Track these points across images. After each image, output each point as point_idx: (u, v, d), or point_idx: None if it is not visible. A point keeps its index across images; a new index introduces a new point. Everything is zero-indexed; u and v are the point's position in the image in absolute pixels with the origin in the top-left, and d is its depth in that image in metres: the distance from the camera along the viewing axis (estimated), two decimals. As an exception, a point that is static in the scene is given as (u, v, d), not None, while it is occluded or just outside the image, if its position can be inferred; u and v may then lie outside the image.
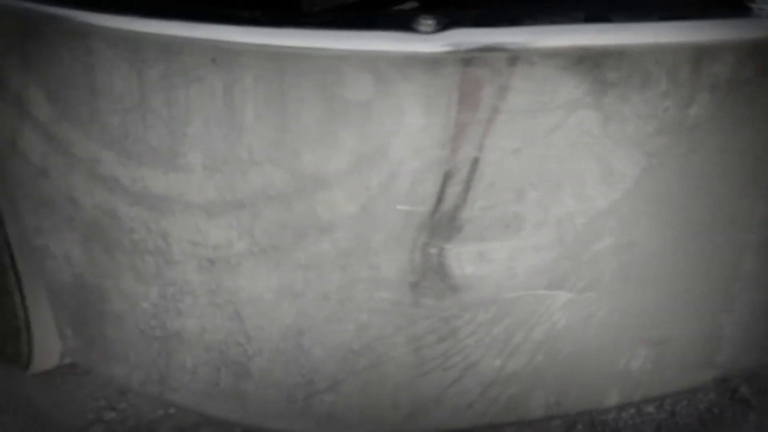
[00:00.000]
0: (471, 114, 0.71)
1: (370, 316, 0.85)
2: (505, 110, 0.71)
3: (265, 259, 0.86)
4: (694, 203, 0.81)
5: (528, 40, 0.66)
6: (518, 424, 0.88)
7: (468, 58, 0.68)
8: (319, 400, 0.94)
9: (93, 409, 1.27)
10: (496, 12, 0.68)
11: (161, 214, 0.87)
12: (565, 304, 0.82)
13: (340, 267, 0.84)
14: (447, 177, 0.75)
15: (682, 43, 0.71)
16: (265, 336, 0.91)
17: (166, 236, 0.88)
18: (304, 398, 0.94)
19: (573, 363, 0.87)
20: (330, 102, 0.73)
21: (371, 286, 0.84)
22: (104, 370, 0.99)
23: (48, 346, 1.12)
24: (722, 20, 0.70)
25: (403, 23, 0.68)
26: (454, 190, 0.76)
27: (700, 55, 0.72)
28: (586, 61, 0.68)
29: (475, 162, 0.74)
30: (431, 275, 0.81)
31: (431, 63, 0.69)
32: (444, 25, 0.67)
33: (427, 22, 0.67)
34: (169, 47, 0.73)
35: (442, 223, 0.78)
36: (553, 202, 0.76)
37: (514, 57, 0.67)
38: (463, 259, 0.79)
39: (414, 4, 1.38)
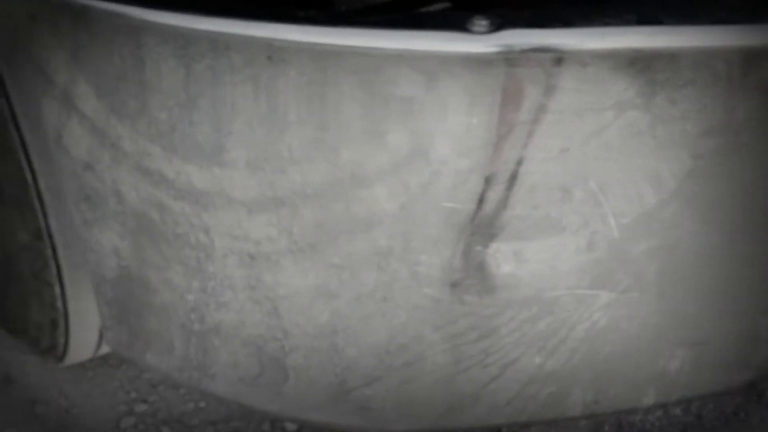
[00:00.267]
0: (520, 114, 0.71)
1: (408, 315, 0.86)
2: (554, 110, 0.71)
3: (302, 258, 0.87)
4: (736, 205, 0.82)
5: (582, 41, 0.67)
6: (555, 422, 0.89)
7: (520, 59, 0.69)
8: (355, 396, 0.95)
9: (124, 402, 1.29)
10: (549, 13, 0.69)
11: (204, 209, 0.88)
12: (606, 304, 0.83)
13: (377, 267, 0.85)
14: (491, 176, 0.76)
15: (732, 47, 0.71)
16: (301, 332, 0.92)
17: (208, 231, 0.89)
18: (340, 393, 0.95)
19: (612, 362, 0.88)
20: (376, 101, 0.74)
21: (410, 286, 0.84)
22: (146, 361, 1.00)
23: (84, 339, 1.13)
24: (772, 24, 0.71)
25: (457, 23, 0.69)
26: (498, 189, 0.77)
27: (748, 58, 0.73)
28: (638, 62, 0.69)
29: (522, 162, 0.75)
30: (473, 274, 0.81)
31: (482, 63, 0.70)
32: (497, 26, 0.68)
33: (480, 23, 0.68)
34: (219, 44, 0.74)
35: (485, 222, 0.79)
36: (598, 202, 0.77)
37: (567, 58, 0.68)
38: (506, 258, 0.80)
39: (445, 5, 1.39)
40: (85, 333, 1.14)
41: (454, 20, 0.69)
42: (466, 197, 0.78)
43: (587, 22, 0.68)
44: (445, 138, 0.75)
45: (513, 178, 0.76)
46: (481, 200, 0.78)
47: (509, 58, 0.69)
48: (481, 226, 0.79)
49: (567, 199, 0.77)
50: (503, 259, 0.81)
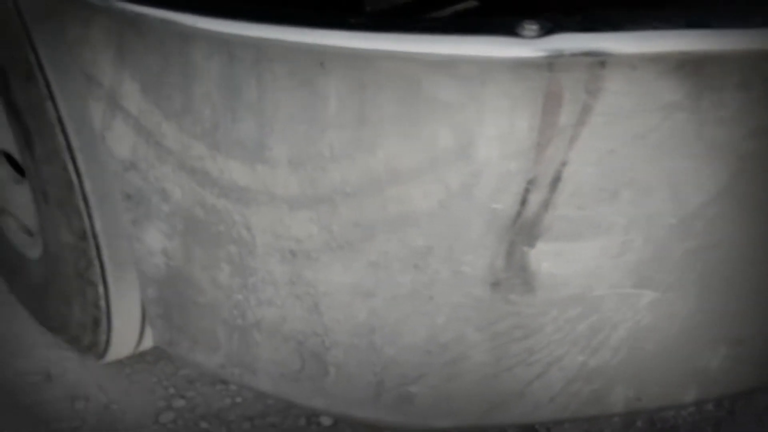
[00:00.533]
0: (567, 116, 0.72)
1: (449, 316, 0.87)
2: (602, 113, 0.72)
3: (341, 255, 0.88)
4: (779, 205, 0.83)
5: (631, 45, 0.67)
6: (597, 419, 0.90)
7: (569, 63, 0.70)
8: (396, 393, 0.96)
9: (163, 397, 1.31)
10: (598, 17, 0.69)
11: (246, 206, 0.89)
12: (649, 302, 0.84)
13: (413, 267, 0.86)
14: (536, 178, 0.77)
15: (780, 49, 0.72)
16: (340, 329, 0.94)
17: (250, 227, 0.91)
18: (380, 390, 0.96)
19: (654, 360, 0.88)
20: (422, 103, 0.75)
21: (451, 286, 0.85)
22: (192, 358, 1.02)
23: (125, 336, 1.16)
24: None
25: (507, 28, 0.70)
26: (544, 190, 0.78)
27: (795, 60, 0.73)
28: (686, 65, 0.70)
29: (567, 163, 0.75)
30: (517, 274, 0.82)
31: (531, 67, 0.71)
32: (547, 31, 0.69)
33: (531, 28, 0.69)
34: (270, 51, 0.75)
35: (529, 223, 0.79)
36: (644, 202, 0.78)
37: (616, 62, 0.69)
38: (551, 258, 0.81)
39: (474, 4, 1.39)
40: (127, 330, 1.16)
41: (504, 25, 0.70)
42: (510, 198, 0.79)
43: (636, 26, 0.69)
44: (491, 140, 0.76)
45: (558, 179, 0.77)
46: (525, 201, 0.79)
47: (558, 62, 0.70)
48: (525, 227, 0.80)
49: (613, 199, 0.78)
50: (548, 259, 0.82)
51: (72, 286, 1.11)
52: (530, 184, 0.78)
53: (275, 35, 0.69)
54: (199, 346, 1.02)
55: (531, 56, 0.69)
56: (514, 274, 0.83)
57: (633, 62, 0.69)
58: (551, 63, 0.70)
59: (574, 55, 0.69)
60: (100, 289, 1.07)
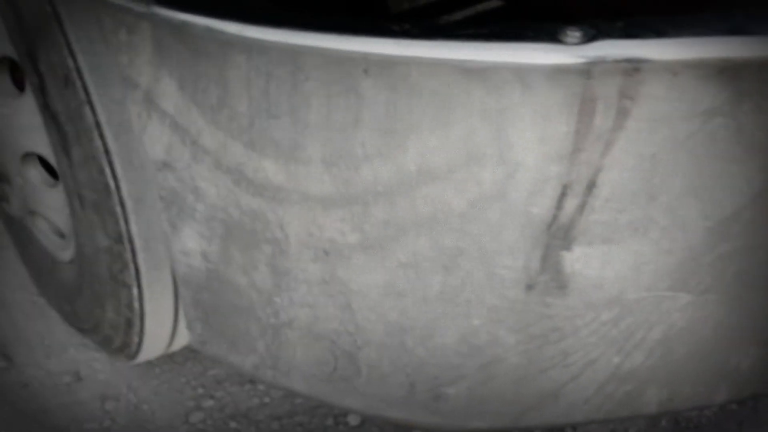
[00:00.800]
0: (609, 121, 0.73)
1: (482, 318, 0.88)
2: (642, 118, 0.73)
3: (373, 254, 0.89)
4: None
5: (674, 51, 0.68)
6: (631, 419, 0.91)
7: (611, 69, 0.70)
8: (428, 394, 0.97)
9: (192, 397, 1.32)
10: (641, 23, 0.70)
11: (280, 205, 0.90)
12: (684, 305, 0.85)
13: (443, 268, 0.87)
14: (575, 181, 0.78)
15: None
16: (373, 328, 0.95)
17: (283, 226, 0.92)
18: (412, 390, 0.98)
19: (687, 361, 0.89)
20: (461, 108, 0.76)
21: (484, 288, 0.86)
22: (228, 358, 1.03)
23: (158, 338, 1.17)
24: None
25: (550, 35, 0.70)
26: (582, 193, 0.78)
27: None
28: (727, 71, 0.71)
29: (606, 168, 0.76)
30: (553, 277, 0.83)
31: (573, 73, 0.71)
32: (590, 37, 0.70)
33: (574, 34, 0.70)
34: (304, 54, 0.76)
35: (566, 225, 0.80)
36: (682, 206, 0.78)
37: (659, 68, 0.69)
38: (589, 261, 0.82)
39: (498, 3, 1.40)
40: (159, 332, 1.17)
41: (547, 32, 0.71)
42: (547, 202, 0.80)
43: (678, 32, 0.70)
44: (528, 144, 0.76)
45: (595, 183, 0.78)
46: (561, 205, 0.80)
47: (599, 68, 0.71)
48: (561, 230, 0.81)
49: (650, 203, 0.78)
50: (584, 262, 0.83)
51: (106, 288, 1.12)
52: (567, 188, 0.79)
53: (321, 44, 0.70)
54: (235, 347, 1.03)
55: (574, 63, 0.70)
56: (549, 276, 0.84)
57: (675, 68, 0.70)
58: (593, 69, 0.71)
59: (616, 61, 0.70)
60: (135, 291, 1.08)
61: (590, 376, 0.88)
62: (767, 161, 0.77)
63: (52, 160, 1.13)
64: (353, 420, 1.29)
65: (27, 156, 1.18)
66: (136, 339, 1.17)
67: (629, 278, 0.83)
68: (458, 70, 0.73)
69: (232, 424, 1.27)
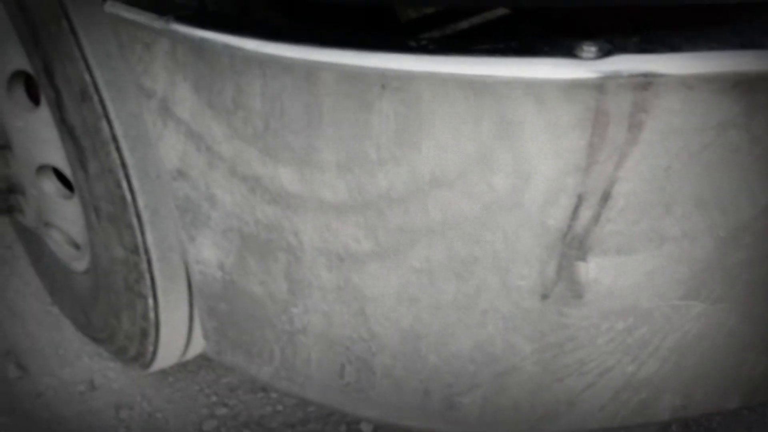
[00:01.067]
0: (626, 134, 0.74)
1: (497, 326, 0.89)
2: (658, 131, 0.74)
3: (387, 261, 0.90)
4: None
5: (689, 65, 0.69)
6: (644, 426, 0.93)
7: (626, 83, 0.71)
8: (442, 401, 0.98)
9: (205, 405, 1.33)
10: (656, 38, 0.71)
11: (294, 212, 0.91)
12: (698, 314, 0.86)
13: (455, 275, 0.88)
14: (591, 191, 0.78)
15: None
16: (387, 335, 0.95)
17: (298, 233, 0.92)
18: (426, 398, 0.98)
19: (701, 369, 0.90)
20: (475, 120, 0.76)
21: (498, 296, 0.87)
22: (244, 367, 1.04)
23: (172, 347, 1.18)
24: None
25: (566, 50, 0.71)
26: (597, 203, 0.79)
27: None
28: (741, 85, 0.71)
29: (622, 179, 0.77)
30: (569, 286, 0.84)
31: (589, 87, 0.72)
32: (606, 52, 0.71)
33: (589, 49, 0.71)
34: (322, 69, 0.77)
35: (581, 235, 0.81)
36: (695, 217, 0.79)
37: (674, 82, 0.70)
38: (603, 270, 0.83)
39: (504, 11, 1.41)
40: (174, 341, 1.18)
41: (562, 47, 0.72)
42: (561, 212, 0.81)
43: (693, 47, 0.71)
44: (543, 155, 0.77)
45: (611, 195, 0.79)
46: (576, 215, 0.81)
47: (615, 83, 0.72)
48: (576, 240, 0.82)
49: (666, 214, 0.79)
50: (599, 271, 0.83)
51: (121, 298, 1.13)
52: (582, 199, 0.80)
53: (339, 60, 0.71)
54: (250, 356, 1.04)
55: (589, 78, 0.71)
56: (565, 286, 0.85)
57: (689, 82, 0.71)
58: (608, 83, 0.72)
59: (632, 76, 0.70)
60: (150, 301, 1.09)
61: (605, 385, 0.89)
62: (780, 172, 0.79)
63: (67, 172, 1.14)
64: (366, 428, 1.29)
65: (42, 168, 1.19)
66: (150, 348, 1.18)
67: (644, 288, 0.84)
68: (475, 85, 0.74)
69: (246, 432, 1.29)
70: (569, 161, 0.78)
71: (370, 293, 0.93)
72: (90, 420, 1.30)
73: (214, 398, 1.32)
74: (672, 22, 0.78)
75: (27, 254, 1.44)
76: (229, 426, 1.29)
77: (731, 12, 0.77)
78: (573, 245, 0.83)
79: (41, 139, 1.14)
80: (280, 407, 1.31)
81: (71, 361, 1.36)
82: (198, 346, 1.20)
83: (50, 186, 1.20)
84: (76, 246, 1.23)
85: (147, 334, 1.15)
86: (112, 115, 0.97)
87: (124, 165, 0.99)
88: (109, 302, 1.18)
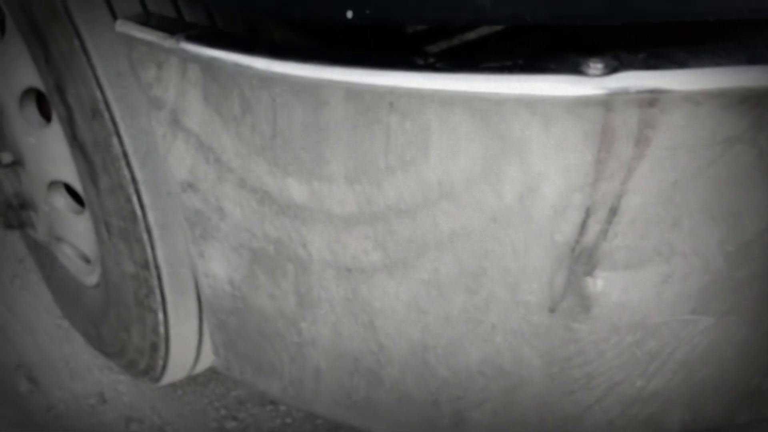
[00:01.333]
0: (633, 150, 0.74)
1: (505, 339, 0.89)
2: (666, 146, 0.74)
3: (395, 273, 0.90)
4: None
5: (696, 81, 0.70)
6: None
7: (633, 99, 0.72)
8: (451, 414, 0.98)
9: (215, 419, 1.34)
10: (662, 54, 0.72)
11: (303, 224, 0.92)
12: (706, 327, 0.86)
13: (465, 288, 0.88)
14: (599, 206, 0.79)
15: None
16: (395, 346, 0.96)
17: (306, 245, 0.93)
18: (436, 411, 0.98)
19: (709, 382, 0.90)
20: (482, 137, 0.77)
21: (507, 310, 0.87)
22: (253, 382, 1.04)
23: (182, 361, 1.18)
24: None
25: (572, 67, 0.72)
26: (605, 218, 0.80)
27: None
28: (748, 100, 0.72)
29: (630, 194, 0.77)
30: (578, 301, 0.84)
31: (596, 103, 0.73)
32: (612, 69, 0.71)
33: (596, 66, 0.71)
34: (332, 88, 0.78)
35: (589, 249, 0.82)
36: (703, 231, 0.79)
37: (681, 98, 0.71)
38: (611, 285, 0.83)
39: (499, 27, 1.40)
40: (184, 355, 1.19)
41: (569, 63, 0.72)
42: (569, 227, 0.81)
43: (699, 63, 0.71)
44: (551, 170, 0.78)
45: (619, 209, 0.79)
46: (584, 230, 0.81)
47: (622, 99, 0.72)
48: (584, 255, 0.82)
49: (674, 228, 0.80)
50: (607, 286, 0.84)
51: (132, 312, 1.14)
52: (590, 214, 0.80)
53: (348, 78, 0.72)
54: (260, 371, 1.05)
55: (596, 94, 0.71)
56: (573, 300, 0.85)
57: (696, 98, 0.72)
58: (615, 100, 0.72)
59: (638, 92, 0.71)
60: (160, 315, 1.10)
61: (614, 399, 0.89)
62: (787, 186, 0.79)
63: (78, 188, 1.15)
64: (375, 439, 1.30)
65: (53, 184, 1.21)
66: (160, 362, 1.19)
67: (652, 302, 0.84)
68: (482, 102, 0.74)
69: (255, 445, 1.29)
70: (576, 176, 0.78)
71: (378, 305, 0.94)
72: (101, 433, 1.31)
73: (223, 411, 1.33)
74: (678, 38, 0.79)
75: (38, 269, 1.45)
76: (239, 439, 1.30)
77: (737, 27, 0.78)
78: (581, 259, 0.83)
79: (53, 155, 1.16)
80: (289, 420, 1.31)
81: (82, 374, 1.37)
82: (207, 359, 1.21)
83: (61, 201, 1.21)
84: (87, 260, 1.24)
85: (157, 348, 1.16)
86: (123, 132, 0.98)
87: (134, 181, 1.00)
88: (120, 316, 1.19)
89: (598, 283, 0.85)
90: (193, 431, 1.31)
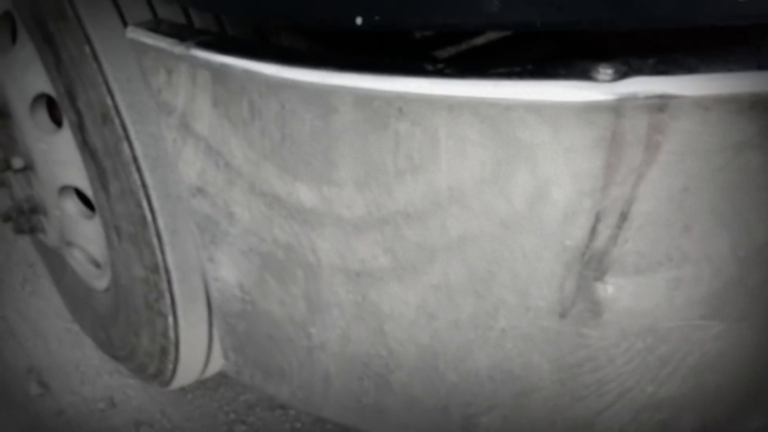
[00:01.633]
0: (643, 155, 0.74)
1: (515, 345, 0.89)
2: (676, 151, 0.74)
3: (405, 277, 0.90)
4: None
5: (706, 87, 0.69)
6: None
7: (643, 105, 0.71)
8: (459, 420, 0.98)
9: (224, 422, 1.34)
10: (672, 59, 0.71)
11: (312, 229, 0.92)
12: (717, 333, 0.85)
13: (474, 292, 0.88)
14: (609, 211, 0.79)
15: None
16: (405, 351, 0.96)
17: (315, 250, 0.93)
18: (445, 416, 0.98)
19: (721, 388, 0.90)
20: (492, 142, 0.77)
21: (516, 315, 0.87)
22: (263, 386, 1.05)
23: (192, 365, 1.19)
24: None
25: (582, 72, 0.72)
26: (615, 223, 0.79)
27: None
28: (758, 105, 0.72)
29: (641, 199, 0.77)
30: (588, 306, 0.84)
31: (606, 109, 0.73)
32: (622, 74, 0.71)
33: (606, 71, 0.71)
34: (341, 95, 0.78)
35: (600, 255, 0.81)
36: (714, 236, 0.79)
37: (691, 103, 0.70)
38: (621, 290, 0.83)
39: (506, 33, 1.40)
40: (193, 359, 1.19)
41: (579, 69, 0.72)
42: (579, 232, 0.81)
43: (709, 68, 0.71)
44: (561, 176, 0.78)
45: (629, 215, 0.79)
46: (594, 235, 0.81)
47: (632, 104, 0.72)
48: (595, 260, 0.82)
49: (684, 234, 0.79)
50: (618, 291, 0.83)
51: (141, 316, 1.14)
52: (600, 219, 0.80)
53: (358, 84, 0.72)
54: (270, 376, 1.05)
55: (606, 99, 0.71)
56: (583, 305, 0.85)
57: (706, 104, 0.71)
58: (624, 105, 0.72)
59: (648, 98, 0.71)
60: (170, 320, 1.10)
61: (625, 405, 0.89)
62: (799, 191, 0.78)
63: (89, 193, 1.15)
64: (383, 444, 1.30)
65: (64, 189, 1.21)
66: (170, 366, 1.19)
67: (663, 307, 0.84)
68: (492, 108, 0.74)
69: (265, 450, 1.29)
70: (586, 182, 0.78)
71: (388, 310, 0.94)
72: (111, 437, 1.32)
73: (232, 416, 1.33)
74: (688, 43, 0.79)
75: (49, 273, 1.46)
76: (248, 443, 1.30)
77: (747, 33, 0.77)
78: (591, 265, 0.83)
79: (63, 160, 1.16)
80: (298, 425, 1.32)
81: (92, 378, 1.37)
82: (217, 364, 1.21)
83: (72, 206, 1.22)
84: (97, 265, 1.25)
85: (166, 352, 1.17)
86: (133, 137, 0.99)
87: (144, 186, 1.01)
88: (129, 320, 1.19)
89: (609, 289, 0.84)
90: (202, 435, 1.32)
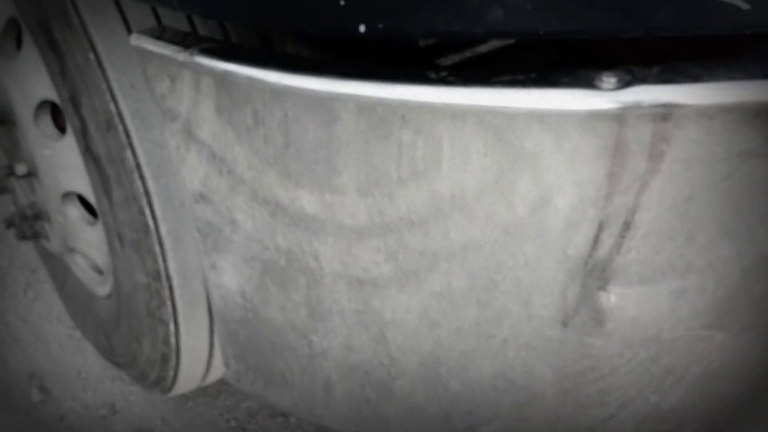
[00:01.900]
0: (647, 164, 0.74)
1: (518, 354, 0.89)
2: (680, 160, 0.74)
3: (407, 285, 0.90)
4: None
5: (710, 96, 0.69)
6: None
7: (647, 114, 0.71)
8: (462, 428, 0.97)
9: (225, 430, 1.34)
10: (676, 68, 0.71)
11: (314, 236, 0.92)
12: (721, 343, 0.85)
13: (476, 300, 0.88)
14: (612, 220, 0.78)
15: None
16: (407, 359, 0.95)
17: (318, 257, 0.93)
18: (448, 424, 0.98)
19: (725, 398, 0.89)
20: (495, 150, 0.77)
21: (519, 324, 0.87)
22: (264, 394, 1.04)
23: (193, 372, 1.18)
24: None
25: (586, 81, 0.72)
26: (618, 232, 0.79)
27: None
28: (763, 114, 0.71)
29: (644, 208, 0.77)
30: (592, 315, 0.84)
31: (609, 117, 0.73)
32: (625, 83, 0.71)
33: (609, 80, 0.71)
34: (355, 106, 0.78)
35: (603, 264, 0.81)
36: (718, 246, 0.79)
37: (695, 112, 0.70)
38: (625, 299, 0.83)
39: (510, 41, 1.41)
40: (194, 366, 1.19)
41: (582, 77, 0.72)
42: (582, 241, 0.81)
43: (713, 77, 0.71)
44: (564, 184, 0.77)
45: (632, 224, 0.79)
46: (597, 244, 0.80)
47: (635, 113, 0.72)
48: (598, 269, 0.82)
49: (688, 243, 0.79)
50: (623, 300, 0.83)
51: (143, 323, 1.14)
52: (603, 228, 0.79)
53: (361, 91, 0.72)
54: (271, 383, 1.04)
55: (609, 108, 0.71)
56: (586, 315, 0.85)
57: (710, 113, 0.71)
58: (628, 114, 0.72)
59: (652, 106, 0.71)
60: (171, 327, 1.10)
61: (628, 415, 0.88)
62: (803, 200, 0.78)
63: (92, 199, 1.15)
64: (386, 453, 1.29)
65: (67, 195, 1.22)
66: (171, 373, 1.19)
67: (666, 317, 0.84)
68: (495, 116, 0.74)
69: (266, 458, 1.29)
70: (590, 190, 0.78)
71: (390, 318, 0.93)
72: (112, 444, 1.31)
73: (233, 423, 1.33)
74: (692, 51, 0.79)
75: (51, 279, 1.46)
76: (249, 451, 1.29)
77: (751, 41, 0.77)
78: (594, 273, 0.83)
79: (67, 166, 1.16)
80: (300, 432, 1.32)
81: (93, 385, 1.37)
82: (218, 371, 1.21)
83: (75, 213, 1.22)
84: (100, 271, 1.25)
85: (168, 359, 1.16)
86: (137, 145, 0.99)
87: (147, 193, 1.01)
88: (131, 327, 1.19)
89: (612, 298, 0.84)
90: (203, 443, 1.31)
